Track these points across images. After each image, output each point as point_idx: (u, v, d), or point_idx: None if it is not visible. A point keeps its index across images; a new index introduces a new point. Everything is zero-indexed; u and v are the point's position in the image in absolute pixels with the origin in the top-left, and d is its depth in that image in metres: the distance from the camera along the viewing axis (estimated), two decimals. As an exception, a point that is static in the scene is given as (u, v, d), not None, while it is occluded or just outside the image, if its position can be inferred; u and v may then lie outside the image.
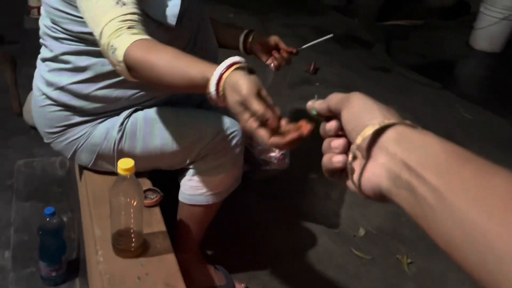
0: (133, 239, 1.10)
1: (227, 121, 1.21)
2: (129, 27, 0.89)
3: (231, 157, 1.22)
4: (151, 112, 1.21)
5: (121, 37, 0.87)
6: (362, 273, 1.65)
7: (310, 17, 4.09)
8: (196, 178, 1.24)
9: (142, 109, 1.22)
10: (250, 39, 1.36)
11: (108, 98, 1.17)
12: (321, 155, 0.52)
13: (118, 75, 1.04)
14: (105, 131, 1.21)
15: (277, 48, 1.36)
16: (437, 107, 2.89)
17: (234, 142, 1.21)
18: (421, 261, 1.73)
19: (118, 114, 1.21)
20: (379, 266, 1.69)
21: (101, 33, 0.89)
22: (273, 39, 1.35)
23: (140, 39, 0.88)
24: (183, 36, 1.16)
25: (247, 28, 1.40)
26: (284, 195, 1.96)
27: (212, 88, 0.77)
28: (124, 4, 0.90)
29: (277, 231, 1.77)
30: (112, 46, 0.88)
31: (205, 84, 0.79)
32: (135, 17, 0.91)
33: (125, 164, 1.00)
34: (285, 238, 1.75)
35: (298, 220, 1.83)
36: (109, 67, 1.06)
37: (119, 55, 0.87)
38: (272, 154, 1.42)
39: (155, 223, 1.21)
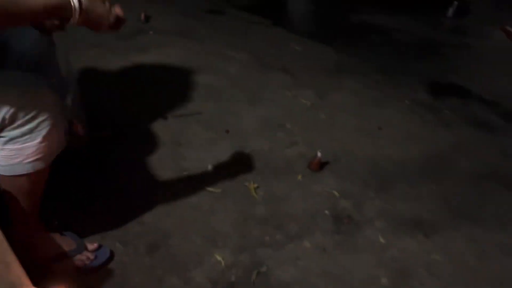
0: None
1: (32, 79, 1.10)
2: None
3: (45, 118, 1.12)
4: None
5: None
6: (217, 207, 1.74)
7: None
8: (9, 146, 1.12)
9: None
10: None
11: None
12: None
13: None
14: None
15: None
16: (271, 43, 3.05)
17: (46, 101, 1.11)
18: (266, 184, 1.88)
19: None
20: (231, 197, 1.79)
21: None
22: None
23: None
24: None
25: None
26: (127, 150, 1.91)
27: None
28: None
29: (125, 186, 1.74)
30: None
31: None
32: None
33: None
34: (136, 189, 1.72)
35: (145, 169, 1.82)
36: None
37: None
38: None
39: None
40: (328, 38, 3.28)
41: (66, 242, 1.39)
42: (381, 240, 1.72)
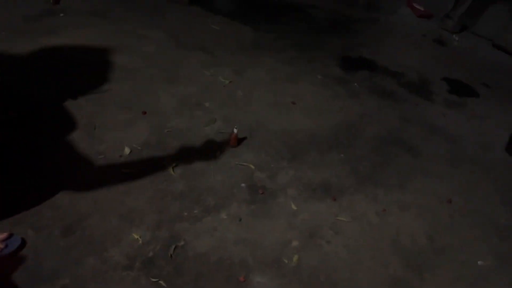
0: None
1: None
2: None
3: None
4: None
5: None
6: (133, 187, 1.76)
7: None
8: None
9: None
10: None
11: None
12: None
13: None
14: None
15: None
16: (189, 22, 3.05)
17: None
18: (185, 162, 1.93)
19: None
20: (148, 177, 1.82)
21: None
22: None
23: None
24: None
25: None
26: (38, 133, 1.87)
27: None
28: None
29: (37, 170, 1.71)
30: None
31: None
32: None
33: None
34: (49, 174, 1.70)
35: (59, 152, 1.79)
36: None
37: None
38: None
39: None
40: (246, 17, 3.34)
41: None
42: (293, 206, 1.85)
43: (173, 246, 1.57)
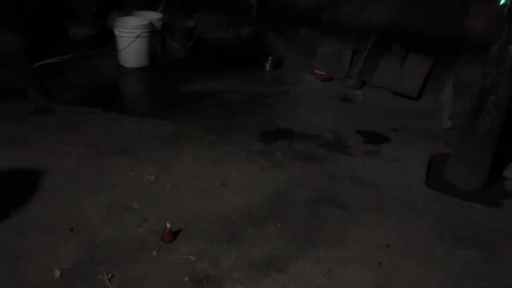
0: None
1: None
2: None
3: None
4: None
5: None
6: (69, 311, 1.65)
7: None
8: None
9: None
10: None
11: None
12: None
13: None
14: None
15: None
16: (106, 129, 3.07)
17: None
18: (121, 271, 1.85)
19: None
20: (84, 295, 1.73)
21: None
22: None
23: None
24: None
25: None
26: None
27: None
28: None
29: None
30: None
31: None
32: None
33: None
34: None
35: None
36: None
37: None
38: None
39: None
40: (163, 112, 3.44)
41: None
42: (240, 288, 1.82)
43: None
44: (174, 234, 2.08)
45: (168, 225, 2.04)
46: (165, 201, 2.35)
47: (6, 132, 2.90)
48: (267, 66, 4.62)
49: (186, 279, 1.85)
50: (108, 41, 4.75)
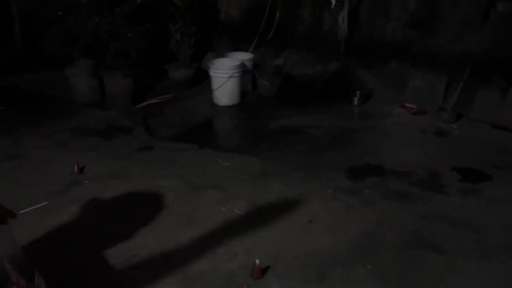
0: None
1: None
2: None
3: None
4: None
5: None
6: None
7: (66, 120, 4.13)
8: None
9: None
10: None
11: None
12: None
13: None
14: None
15: None
16: (200, 164, 3.28)
17: None
18: (213, 304, 1.94)
19: None
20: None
21: None
22: None
23: None
24: None
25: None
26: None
27: None
28: None
29: None
30: None
31: None
32: None
33: None
34: None
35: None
36: None
37: None
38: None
39: None
40: (252, 148, 3.58)
41: None
42: (329, 332, 1.79)
43: None
44: (263, 271, 2.13)
45: (257, 262, 2.10)
46: (254, 236, 2.42)
47: (114, 167, 3.23)
48: (355, 100, 4.60)
49: (275, 317, 1.88)
50: (203, 81, 5.12)
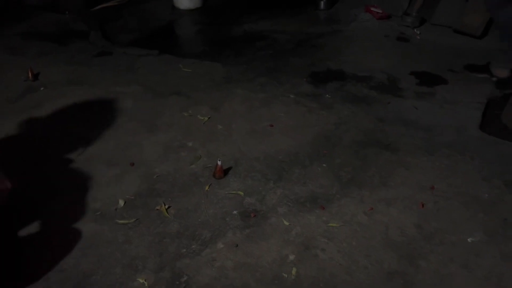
0: None
1: None
2: None
3: None
4: None
5: None
6: (132, 236, 1.86)
7: (16, 24, 3.87)
8: None
9: None
10: None
11: None
12: None
13: None
14: None
15: None
16: (161, 70, 3.20)
17: None
18: (177, 203, 2.04)
19: None
20: (145, 223, 1.93)
21: None
22: None
23: None
24: None
25: None
26: (34, 202, 1.99)
27: None
28: None
29: (38, 237, 1.82)
30: None
31: None
32: None
33: None
34: (50, 239, 1.81)
35: (57, 217, 1.91)
36: None
37: None
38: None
39: None
40: (215, 55, 3.51)
41: None
42: (285, 222, 1.94)
43: (177, 283, 1.66)
44: (225, 171, 2.22)
45: (219, 162, 2.17)
46: (217, 140, 2.47)
47: (71, 73, 3.12)
48: (321, 5, 4.48)
49: (235, 212, 2.00)
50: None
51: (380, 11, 4.21)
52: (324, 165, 2.30)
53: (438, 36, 3.81)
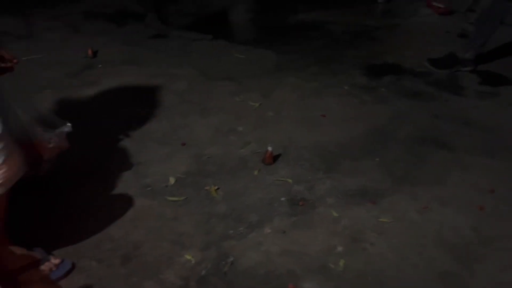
0: None
1: None
2: None
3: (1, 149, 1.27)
4: None
5: None
6: (180, 213, 1.89)
7: (78, 3, 4.01)
8: None
9: None
10: None
11: None
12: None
13: None
14: None
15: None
16: (214, 55, 3.23)
17: None
18: (225, 184, 2.04)
19: None
20: (193, 202, 1.95)
21: None
22: None
23: None
24: None
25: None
26: (90, 176, 2.05)
27: None
28: None
29: (93, 207, 1.87)
30: None
31: None
32: None
33: None
34: (103, 209, 1.86)
35: (111, 189, 1.96)
36: None
37: None
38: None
39: None
40: (268, 42, 3.49)
41: (32, 255, 1.56)
42: (334, 213, 1.90)
43: (223, 263, 1.67)
44: (274, 158, 2.21)
45: (269, 148, 2.16)
46: (267, 127, 2.46)
47: (127, 53, 3.20)
48: (380, -3, 4.36)
49: (282, 198, 1.98)
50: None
51: (442, 6, 4.04)
52: (376, 159, 2.23)
53: (504, 34, 3.60)
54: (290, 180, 2.09)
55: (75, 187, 1.97)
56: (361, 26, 3.84)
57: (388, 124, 2.49)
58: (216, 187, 2.03)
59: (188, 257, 1.68)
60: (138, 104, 2.61)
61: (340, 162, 2.21)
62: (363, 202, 1.97)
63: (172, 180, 2.05)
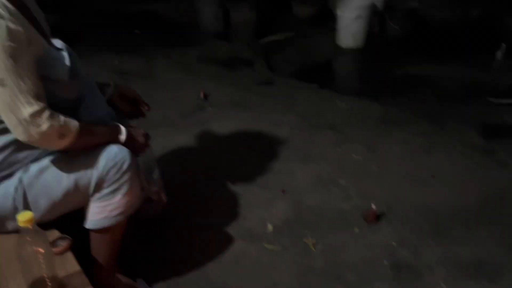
0: (49, 285, 1.19)
1: (114, 149, 1.36)
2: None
3: (125, 180, 1.36)
4: (43, 163, 1.32)
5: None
6: (277, 262, 1.85)
7: (193, 47, 4.33)
8: (96, 204, 1.37)
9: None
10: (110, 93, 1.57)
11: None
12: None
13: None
14: (2, 193, 1.30)
15: (135, 100, 1.61)
16: (318, 104, 3.24)
17: (124, 166, 1.35)
18: (324, 238, 1.97)
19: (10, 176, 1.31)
20: (290, 252, 1.90)
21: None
22: (131, 92, 1.60)
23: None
24: (74, 88, 1.37)
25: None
26: (193, 213, 2.11)
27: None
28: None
29: (193, 246, 1.92)
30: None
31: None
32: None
33: (24, 217, 1.10)
34: (202, 249, 1.90)
35: (211, 229, 2.00)
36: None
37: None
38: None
39: (69, 266, 1.31)
40: (373, 93, 3.42)
41: (135, 286, 1.64)
42: (443, 286, 1.73)
43: (318, 323, 1.58)
44: (377, 217, 2.09)
45: (373, 206, 2.06)
46: (370, 182, 2.36)
47: (236, 96, 3.34)
48: (498, 54, 4.08)
49: (385, 262, 1.85)
50: (326, 20, 4.92)
51: None
52: (493, 229, 2.01)
53: None
54: (394, 243, 1.95)
55: (178, 222, 2.05)
56: (474, 83, 3.61)
57: (507, 191, 2.25)
58: (314, 240, 1.97)
59: (283, 310, 1.63)
60: (242, 146, 2.68)
61: (451, 228, 2.03)
62: (478, 278, 1.76)
63: (270, 227, 2.04)
